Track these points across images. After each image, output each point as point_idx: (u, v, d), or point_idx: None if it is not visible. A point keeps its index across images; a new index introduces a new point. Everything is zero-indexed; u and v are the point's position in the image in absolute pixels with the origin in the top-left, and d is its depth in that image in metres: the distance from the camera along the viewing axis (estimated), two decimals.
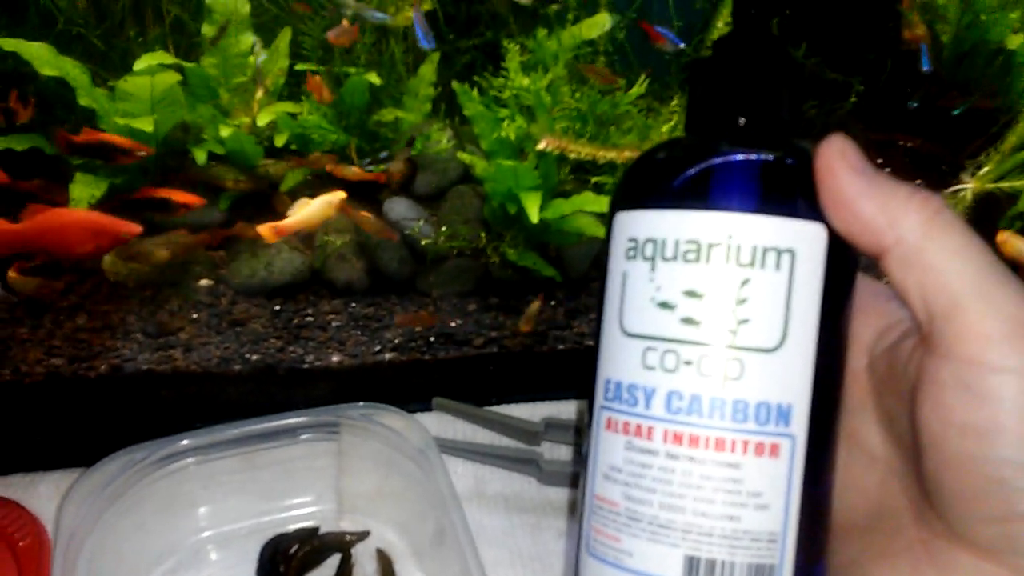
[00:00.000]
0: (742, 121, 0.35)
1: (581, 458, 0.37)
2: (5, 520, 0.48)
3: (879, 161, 0.95)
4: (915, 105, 0.94)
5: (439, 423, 0.60)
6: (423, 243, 0.72)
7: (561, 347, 0.69)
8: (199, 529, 0.50)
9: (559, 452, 0.59)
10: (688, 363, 0.32)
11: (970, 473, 0.30)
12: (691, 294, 0.33)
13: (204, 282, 0.71)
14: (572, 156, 0.60)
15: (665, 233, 0.33)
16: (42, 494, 0.53)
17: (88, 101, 0.67)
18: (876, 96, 0.93)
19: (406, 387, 0.66)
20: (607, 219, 0.36)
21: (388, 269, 0.73)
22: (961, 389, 0.30)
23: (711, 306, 0.32)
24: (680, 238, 0.33)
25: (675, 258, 0.33)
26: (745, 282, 0.32)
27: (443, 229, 0.73)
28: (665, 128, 0.72)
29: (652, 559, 0.33)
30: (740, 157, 0.34)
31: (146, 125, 0.64)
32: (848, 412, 0.36)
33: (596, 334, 0.36)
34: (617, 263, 0.35)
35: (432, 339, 0.68)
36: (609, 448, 0.34)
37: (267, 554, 0.49)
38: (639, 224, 0.34)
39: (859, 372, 0.36)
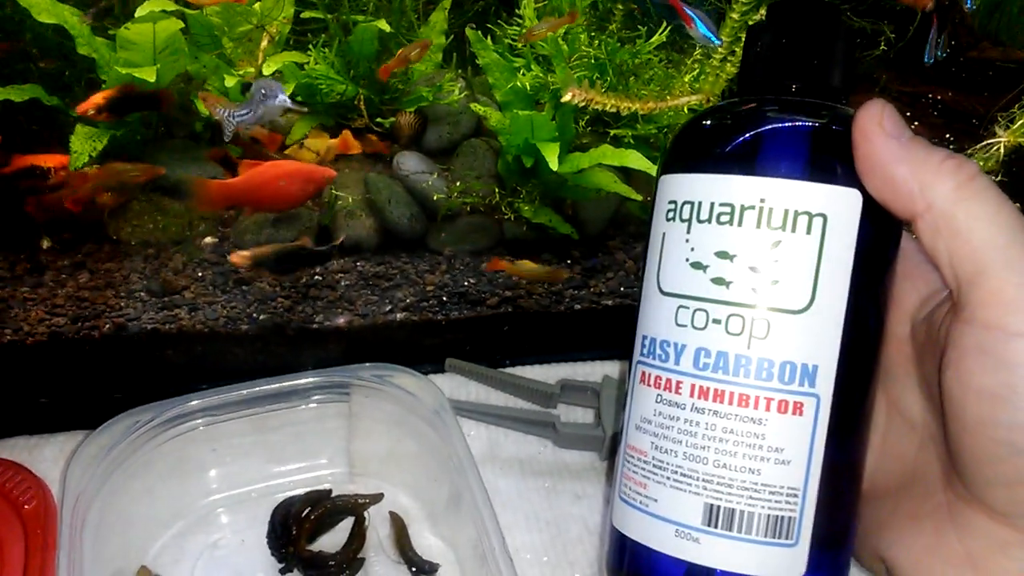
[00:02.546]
0: (786, 86, 0.36)
1: (622, 411, 0.39)
2: (10, 484, 0.48)
3: (907, 114, 0.93)
4: (943, 55, 0.92)
5: (452, 385, 0.60)
6: (435, 198, 0.71)
7: (578, 307, 0.68)
8: (208, 492, 0.51)
9: (575, 414, 0.59)
10: (716, 321, 0.34)
11: (986, 437, 0.31)
12: (723, 255, 0.34)
13: (209, 240, 0.70)
14: (595, 108, 0.59)
15: (701, 196, 0.35)
16: (47, 457, 0.53)
17: (87, 50, 0.66)
18: (906, 46, 0.91)
19: (418, 348, 0.66)
20: (654, 185, 0.38)
21: (398, 227, 0.72)
22: (981, 354, 0.31)
23: (741, 267, 0.34)
24: (715, 201, 0.35)
25: (709, 220, 0.35)
26: (776, 244, 0.33)
27: (456, 184, 0.72)
28: (688, 78, 0.70)
29: (674, 506, 0.35)
30: (776, 124, 0.35)
31: (148, 75, 0.63)
32: (891, 379, 0.37)
33: (639, 293, 0.39)
34: (658, 224, 0.37)
35: (445, 298, 0.67)
36: (642, 400, 0.37)
37: (278, 517, 0.49)
38: (678, 187, 0.36)
39: (902, 339, 0.37)
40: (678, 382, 0.35)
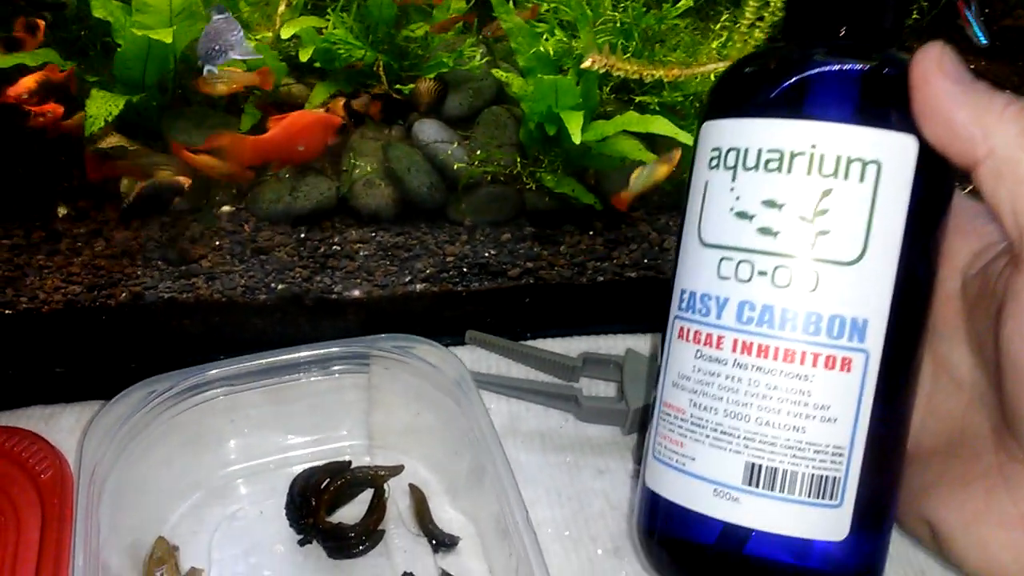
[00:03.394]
0: (836, 29, 0.35)
1: (657, 370, 0.38)
2: (26, 453, 0.48)
3: None
4: (985, 41, 0.90)
5: (472, 357, 0.59)
6: (455, 167, 0.70)
7: (600, 279, 0.67)
8: (227, 463, 0.51)
9: (597, 388, 0.59)
10: (762, 273, 0.33)
11: None
12: (770, 204, 0.33)
13: (226, 208, 0.69)
14: (618, 74, 0.58)
15: (748, 142, 0.34)
16: (63, 427, 0.53)
17: (103, 13, 0.65)
18: (939, 14, 0.89)
19: (438, 320, 0.66)
20: (695, 131, 0.37)
21: (418, 196, 0.71)
22: None
23: (789, 216, 0.32)
24: (763, 147, 0.33)
25: (756, 167, 0.33)
26: (826, 193, 0.32)
27: (477, 153, 0.71)
28: (715, 44, 0.69)
29: (713, 464, 0.34)
30: (827, 66, 0.34)
31: (165, 36, 0.62)
32: (938, 336, 0.36)
33: (677, 245, 0.37)
34: (700, 173, 0.36)
35: (465, 269, 0.66)
36: (680, 356, 0.36)
37: (297, 488, 0.48)
38: (723, 133, 0.35)
39: (951, 295, 0.36)
40: (719, 337, 0.34)
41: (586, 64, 0.57)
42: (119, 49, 0.66)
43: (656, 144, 0.70)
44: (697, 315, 0.35)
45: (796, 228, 0.32)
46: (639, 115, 0.65)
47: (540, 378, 0.59)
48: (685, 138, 0.64)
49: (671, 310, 0.37)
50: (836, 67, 0.33)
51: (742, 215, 0.33)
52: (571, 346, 0.60)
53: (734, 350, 0.34)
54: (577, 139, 0.63)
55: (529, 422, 0.56)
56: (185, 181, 0.66)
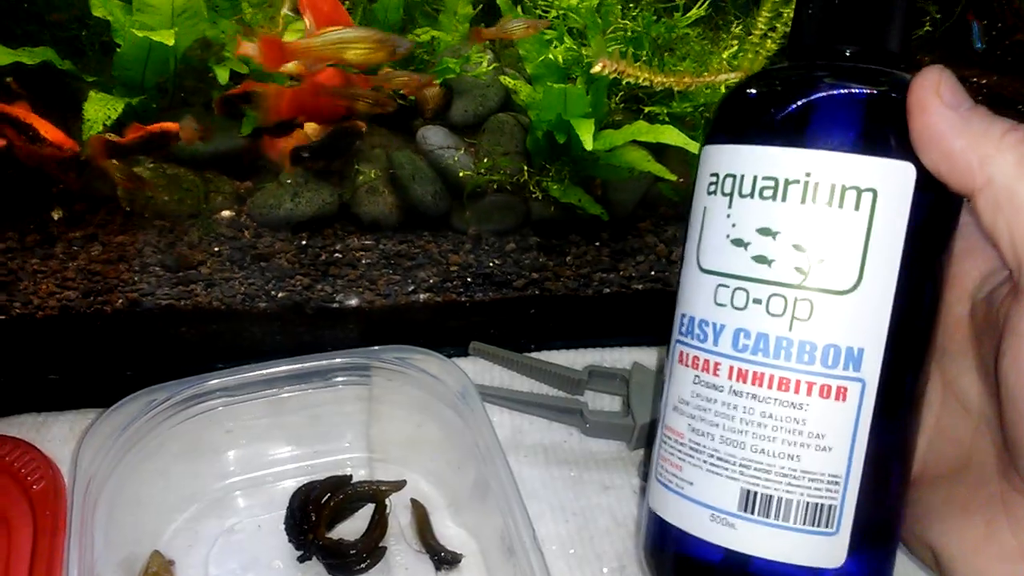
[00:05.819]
0: (838, 51, 0.35)
1: (662, 390, 0.39)
2: (19, 463, 0.48)
3: None
4: (981, 46, 0.91)
5: (476, 369, 0.59)
6: (460, 175, 0.69)
7: (607, 291, 0.67)
8: (225, 475, 0.50)
9: (603, 402, 0.58)
10: (757, 301, 0.33)
11: None
12: (765, 232, 0.33)
13: (226, 213, 0.69)
14: (627, 81, 0.57)
15: (744, 169, 0.34)
16: (56, 436, 0.52)
17: (103, 12, 0.65)
18: (951, 27, 0.89)
19: (441, 330, 0.65)
20: (698, 156, 0.37)
21: (421, 204, 0.71)
22: None
23: (784, 245, 0.33)
24: (758, 174, 0.33)
25: (752, 194, 0.33)
26: (821, 221, 0.32)
27: (483, 161, 0.70)
28: (726, 54, 0.69)
29: (710, 490, 0.35)
30: (822, 93, 0.34)
31: (166, 38, 0.62)
32: (948, 359, 0.36)
33: (679, 268, 0.38)
34: (700, 198, 0.36)
35: (469, 279, 0.66)
36: (680, 381, 0.36)
37: (297, 502, 0.48)
38: (720, 159, 0.35)
39: (960, 318, 0.36)
40: (716, 363, 0.34)
41: (596, 69, 0.56)
42: (118, 50, 0.66)
43: (665, 155, 0.69)
44: (695, 340, 0.35)
45: (790, 257, 0.33)
46: (648, 125, 0.65)
47: (544, 391, 0.58)
48: (695, 148, 0.64)
49: (673, 333, 0.38)
50: (831, 94, 0.33)
51: (738, 242, 0.34)
52: (576, 359, 0.60)
53: (730, 377, 0.34)
54: (589, 146, 0.62)
55: (533, 436, 0.55)
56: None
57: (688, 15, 0.69)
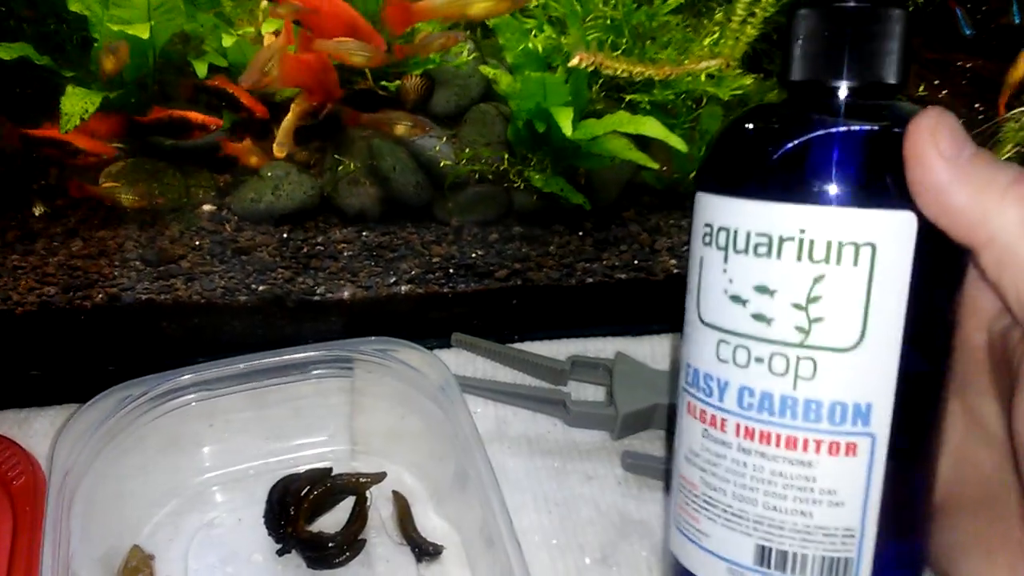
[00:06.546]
0: (832, 88, 0.33)
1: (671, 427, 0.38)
2: None
3: (935, 83, 0.92)
4: (969, 32, 0.91)
5: (458, 360, 0.59)
6: (442, 164, 0.70)
7: (589, 280, 0.67)
8: (204, 469, 0.50)
9: (586, 392, 0.59)
10: (759, 360, 0.32)
11: None
12: (762, 290, 0.32)
13: (207, 207, 0.69)
14: (606, 72, 0.57)
15: (737, 223, 0.33)
16: (37, 431, 0.52)
17: (79, 7, 0.64)
18: (935, 11, 0.89)
19: (423, 322, 0.65)
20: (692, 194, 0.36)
21: (403, 195, 0.71)
22: None
23: (782, 303, 0.32)
24: (751, 230, 0.32)
25: (746, 251, 0.32)
26: (819, 279, 0.31)
27: (464, 151, 0.70)
28: (708, 41, 0.68)
29: (727, 544, 0.34)
30: (815, 142, 0.32)
31: (142, 32, 0.62)
32: (968, 387, 0.35)
33: (684, 314, 0.36)
34: (696, 246, 0.35)
35: (451, 270, 0.66)
36: (689, 432, 0.36)
37: (276, 496, 0.48)
38: (713, 210, 0.34)
39: (978, 347, 0.34)
40: (723, 420, 0.34)
41: (574, 62, 0.56)
42: (96, 45, 0.65)
43: (648, 143, 0.69)
44: (702, 394, 0.35)
45: (789, 315, 0.32)
46: (630, 115, 0.65)
47: (527, 382, 0.58)
48: (676, 142, 0.64)
49: (680, 380, 0.37)
50: (823, 139, 0.32)
51: (736, 299, 0.33)
52: (559, 349, 0.60)
53: (737, 434, 0.33)
54: (569, 132, 0.62)
55: (516, 427, 0.56)
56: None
57: (668, 2, 0.69)
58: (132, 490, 0.47)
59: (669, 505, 0.39)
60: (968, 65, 0.94)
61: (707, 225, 0.34)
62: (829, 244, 0.31)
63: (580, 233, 0.71)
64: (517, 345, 0.60)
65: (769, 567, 0.33)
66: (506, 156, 0.71)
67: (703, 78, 0.68)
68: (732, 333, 0.33)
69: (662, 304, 0.66)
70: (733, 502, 0.34)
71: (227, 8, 0.71)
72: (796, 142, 0.32)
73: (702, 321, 0.34)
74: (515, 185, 0.71)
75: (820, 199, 0.31)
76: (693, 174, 0.73)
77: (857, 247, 0.30)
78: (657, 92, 0.70)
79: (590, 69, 0.57)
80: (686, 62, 0.66)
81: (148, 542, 0.47)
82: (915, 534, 0.35)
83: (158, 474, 0.48)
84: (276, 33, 0.68)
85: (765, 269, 0.32)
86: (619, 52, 0.66)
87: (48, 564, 0.38)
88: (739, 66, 0.69)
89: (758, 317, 0.32)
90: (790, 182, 0.31)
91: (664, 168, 0.71)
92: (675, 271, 0.69)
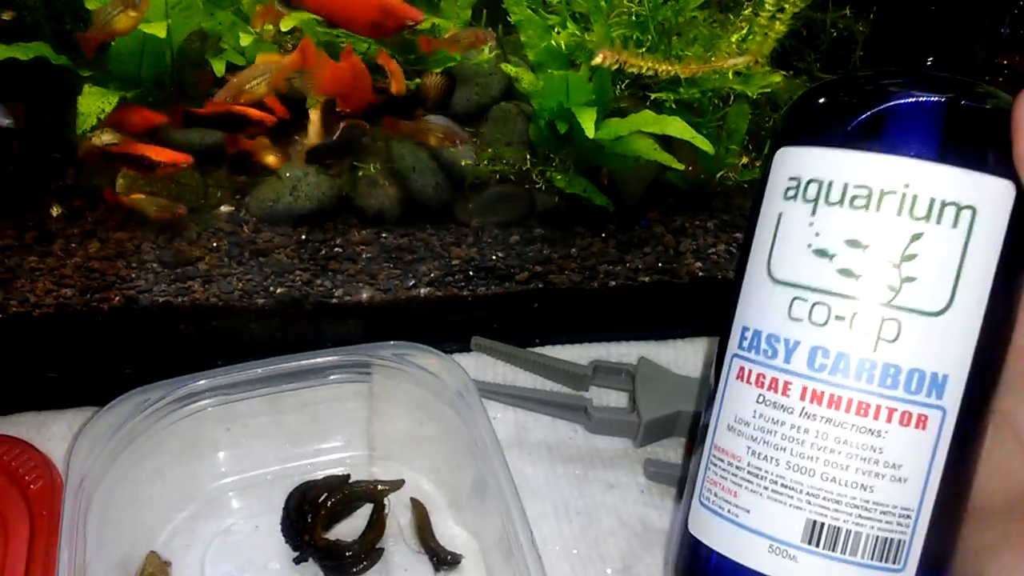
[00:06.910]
0: (933, 59, 0.33)
1: (706, 404, 0.37)
2: (16, 462, 0.48)
3: None
4: (1006, 30, 0.89)
5: (478, 364, 0.59)
6: (462, 165, 0.69)
7: (612, 283, 0.66)
8: (220, 475, 0.50)
9: (608, 398, 0.58)
10: (839, 318, 0.32)
11: None
12: (854, 243, 0.31)
13: (224, 208, 0.69)
14: (631, 70, 0.56)
15: (832, 174, 0.32)
16: (55, 434, 0.52)
17: (97, 5, 0.64)
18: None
19: (443, 325, 0.65)
20: (767, 156, 0.35)
21: (423, 196, 0.70)
22: None
23: (874, 259, 0.31)
24: (849, 181, 0.32)
25: (840, 203, 0.32)
26: (916, 237, 0.31)
27: (487, 151, 0.70)
28: (735, 38, 0.67)
29: (771, 519, 0.33)
30: (928, 99, 0.32)
31: (159, 31, 0.62)
32: (1004, 390, 0.34)
33: (737, 276, 0.36)
34: (773, 202, 0.34)
35: (471, 273, 0.65)
36: (738, 399, 0.34)
37: (293, 502, 0.48)
38: (804, 162, 0.33)
39: (1020, 349, 0.34)
40: (787, 383, 0.33)
41: (597, 60, 0.56)
42: (113, 43, 0.65)
43: (672, 143, 0.69)
44: (762, 356, 0.34)
45: (881, 272, 0.31)
46: (654, 115, 0.64)
47: (548, 387, 0.58)
48: (702, 142, 0.63)
49: (728, 346, 0.36)
50: (934, 101, 0.32)
51: (821, 253, 0.32)
52: (581, 353, 0.60)
53: (802, 398, 0.32)
54: (591, 133, 0.62)
55: (536, 433, 0.55)
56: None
57: None
58: (149, 495, 0.47)
59: (688, 488, 0.37)
60: (1005, 62, 0.92)
61: (793, 179, 0.33)
62: (932, 201, 0.30)
63: (603, 235, 0.70)
64: (538, 349, 0.59)
65: (818, 545, 0.32)
66: (528, 156, 0.70)
67: (730, 76, 0.67)
68: (812, 289, 0.32)
69: (687, 308, 0.65)
70: (786, 472, 0.32)
71: (245, 5, 0.71)
72: (908, 100, 0.32)
73: (773, 279, 0.33)
74: (537, 186, 0.70)
75: (927, 155, 0.31)
76: (720, 174, 0.73)
77: (959, 208, 0.30)
78: (683, 90, 0.69)
79: (614, 68, 0.56)
80: (713, 59, 0.65)
81: (165, 548, 0.47)
82: (958, 526, 0.34)
83: (175, 479, 0.48)
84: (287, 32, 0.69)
85: (860, 222, 0.31)
86: (644, 49, 0.65)
87: (65, 568, 0.38)
88: (767, 63, 0.68)
89: (845, 272, 0.32)
90: (897, 136, 0.31)
91: (689, 168, 0.70)
92: (700, 274, 0.68)
